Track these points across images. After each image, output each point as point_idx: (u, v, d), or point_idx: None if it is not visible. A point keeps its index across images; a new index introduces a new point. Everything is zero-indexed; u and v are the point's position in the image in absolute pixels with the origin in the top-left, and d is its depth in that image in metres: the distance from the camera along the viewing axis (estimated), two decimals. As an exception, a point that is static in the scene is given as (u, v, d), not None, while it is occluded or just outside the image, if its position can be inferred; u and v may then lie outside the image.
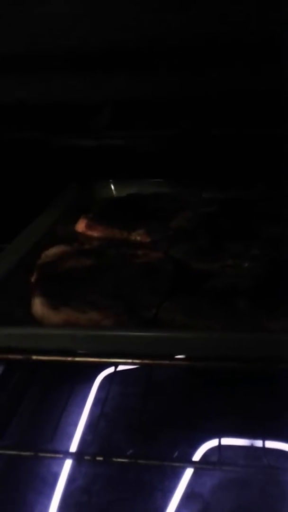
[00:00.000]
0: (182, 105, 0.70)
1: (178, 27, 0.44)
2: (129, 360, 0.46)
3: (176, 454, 0.54)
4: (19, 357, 0.46)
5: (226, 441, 0.83)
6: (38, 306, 0.54)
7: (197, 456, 0.83)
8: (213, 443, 0.84)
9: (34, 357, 0.46)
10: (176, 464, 0.53)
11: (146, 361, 0.46)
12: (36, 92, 0.54)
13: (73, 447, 0.85)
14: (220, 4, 0.42)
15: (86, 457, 0.53)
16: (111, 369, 0.97)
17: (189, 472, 0.81)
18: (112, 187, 0.89)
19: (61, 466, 0.82)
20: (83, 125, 0.75)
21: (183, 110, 0.72)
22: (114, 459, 0.53)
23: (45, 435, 0.85)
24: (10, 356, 0.46)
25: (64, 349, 0.49)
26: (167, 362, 0.46)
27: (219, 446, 0.59)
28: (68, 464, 0.82)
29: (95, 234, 0.74)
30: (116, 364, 0.68)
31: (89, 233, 0.74)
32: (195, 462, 0.70)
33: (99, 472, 0.84)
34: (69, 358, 0.46)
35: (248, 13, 0.44)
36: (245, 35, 0.47)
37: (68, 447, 0.85)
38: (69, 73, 0.51)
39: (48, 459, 0.83)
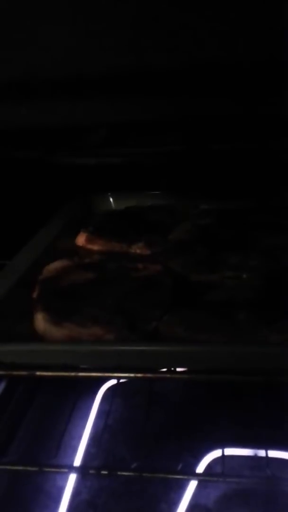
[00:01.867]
0: (178, 124, 0.72)
1: (172, 52, 0.45)
2: (132, 375, 0.47)
3: (180, 466, 0.54)
4: (23, 373, 0.46)
5: (230, 451, 0.83)
6: (40, 321, 0.54)
7: (201, 467, 0.83)
8: (216, 453, 0.84)
9: (38, 373, 0.47)
10: (181, 476, 0.53)
11: (148, 375, 0.47)
12: (35, 116, 0.55)
13: (77, 461, 0.85)
14: (220, 30, 0.43)
15: (91, 471, 0.53)
16: (113, 381, 0.97)
17: (193, 484, 0.81)
18: (111, 200, 0.90)
19: (65, 480, 0.82)
20: (80, 144, 0.76)
21: (180, 128, 0.73)
22: (119, 473, 0.53)
23: (49, 449, 0.86)
24: (15, 373, 0.47)
25: (67, 364, 0.49)
26: (168, 375, 0.47)
27: (223, 456, 0.59)
28: (72, 478, 0.82)
29: (95, 247, 0.75)
30: (115, 378, 0.68)
31: (89, 246, 0.75)
32: (199, 475, 0.70)
33: (104, 485, 0.84)
34: (73, 374, 0.47)
35: (242, 38, 0.45)
36: (239, 60, 0.48)
37: (72, 460, 0.85)
38: (67, 98, 0.53)
39: (53, 474, 0.83)
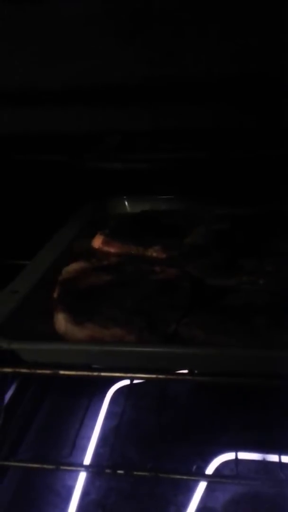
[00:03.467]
0: (193, 132, 0.73)
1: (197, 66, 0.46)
2: (153, 375, 0.48)
3: (189, 468, 0.55)
4: (47, 372, 0.47)
5: (239, 455, 0.83)
6: (61, 321, 0.55)
7: (209, 470, 0.84)
8: (225, 457, 0.85)
9: (62, 372, 0.47)
10: (195, 478, 0.54)
11: (170, 376, 0.48)
12: (54, 122, 0.57)
13: (87, 461, 0.86)
14: (235, 46, 0.45)
15: (107, 470, 0.54)
16: (122, 383, 0.98)
17: (202, 487, 0.82)
18: (126, 203, 0.91)
19: (75, 479, 0.83)
20: (98, 149, 0.78)
21: (196, 135, 0.74)
22: (135, 473, 0.54)
23: (59, 449, 0.87)
24: (38, 371, 0.48)
25: (89, 364, 0.50)
26: (189, 377, 0.48)
27: (236, 460, 0.60)
28: (82, 478, 0.83)
29: (111, 250, 0.76)
30: (136, 379, 0.69)
31: (106, 249, 0.76)
32: (213, 476, 0.71)
33: (112, 486, 0.85)
34: (95, 373, 0.48)
35: (249, 50, 0.47)
36: (246, 72, 0.50)
37: (82, 460, 0.86)
38: (87, 105, 0.54)
39: (63, 473, 0.84)
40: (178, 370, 0.51)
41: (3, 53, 0.46)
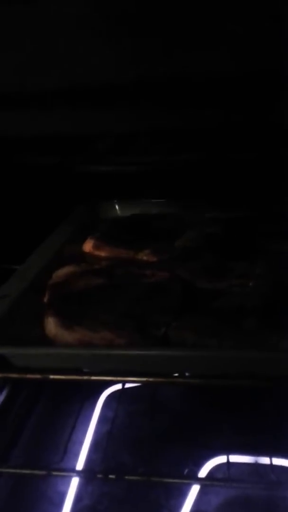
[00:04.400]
0: (184, 135, 0.73)
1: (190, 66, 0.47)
2: (144, 379, 0.48)
3: (186, 471, 0.55)
4: (37, 376, 0.47)
5: (231, 458, 0.83)
6: (51, 326, 0.55)
7: (202, 474, 0.84)
8: (217, 460, 0.85)
9: (52, 377, 0.47)
10: (187, 481, 0.53)
11: (160, 379, 0.48)
12: (47, 125, 0.57)
13: (79, 466, 0.85)
14: (231, 43, 0.45)
15: (99, 475, 0.54)
16: (115, 388, 0.98)
17: (194, 490, 0.82)
18: (117, 207, 0.91)
19: (67, 485, 0.82)
20: (90, 152, 0.78)
21: (186, 138, 0.75)
22: (127, 477, 0.53)
23: (51, 454, 0.86)
24: (28, 376, 0.47)
25: (79, 368, 0.50)
26: (180, 380, 0.48)
27: (228, 463, 0.60)
28: (74, 483, 0.82)
29: (102, 254, 0.76)
30: (127, 382, 0.69)
31: (97, 253, 0.76)
32: (206, 479, 0.71)
33: (105, 491, 0.84)
34: (85, 377, 0.47)
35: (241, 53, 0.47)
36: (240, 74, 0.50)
37: (74, 465, 0.85)
38: (79, 107, 0.54)
39: (55, 479, 0.83)
40: (169, 373, 0.51)
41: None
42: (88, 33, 0.46)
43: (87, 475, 0.54)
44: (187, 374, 0.50)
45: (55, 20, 0.46)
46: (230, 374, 0.48)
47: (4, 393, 0.87)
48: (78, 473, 0.56)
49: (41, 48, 0.47)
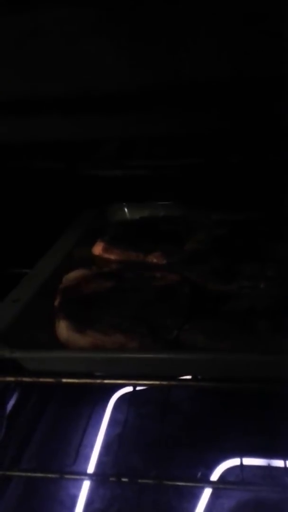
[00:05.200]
0: (191, 137, 0.73)
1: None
2: (157, 382, 0.48)
3: (199, 474, 0.55)
4: (50, 380, 0.47)
5: (243, 461, 0.83)
6: (63, 329, 0.55)
7: (214, 477, 0.83)
8: (229, 463, 0.84)
9: (64, 380, 0.47)
10: (200, 484, 0.53)
11: (173, 382, 0.48)
12: (55, 130, 0.57)
13: (90, 469, 0.85)
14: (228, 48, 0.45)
15: (112, 479, 0.54)
16: (124, 390, 0.98)
17: (206, 494, 0.81)
18: (126, 210, 0.92)
19: (78, 488, 0.82)
20: (97, 156, 0.78)
21: (194, 141, 0.75)
22: (140, 480, 0.53)
23: (62, 458, 0.86)
24: (41, 380, 0.47)
25: (91, 371, 0.50)
26: (193, 383, 0.48)
27: (241, 466, 0.59)
28: (85, 486, 0.82)
29: (111, 257, 0.76)
30: (140, 385, 0.69)
31: (106, 256, 0.76)
32: (220, 483, 0.70)
33: (116, 494, 0.84)
34: (98, 381, 0.47)
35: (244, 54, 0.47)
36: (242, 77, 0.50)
37: (85, 469, 0.85)
38: (80, 114, 0.54)
39: (66, 482, 0.83)
40: (181, 376, 0.51)
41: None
42: (98, 40, 0.47)
43: (99, 478, 0.54)
44: (199, 377, 0.50)
45: (61, 26, 0.46)
46: (242, 377, 0.48)
47: (15, 397, 0.87)
48: (91, 476, 0.56)
49: (50, 54, 0.47)
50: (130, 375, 0.50)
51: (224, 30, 0.45)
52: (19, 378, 0.48)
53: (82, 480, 0.72)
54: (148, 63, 0.48)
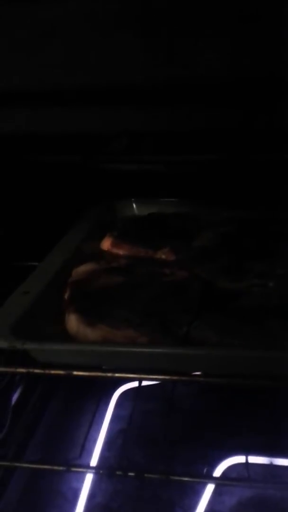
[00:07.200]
0: (202, 135, 0.73)
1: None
2: (167, 377, 0.48)
3: (205, 470, 0.55)
4: (61, 372, 0.47)
5: (243, 459, 0.83)
6: (73, 322, 0.55)
7: (216, 474, 0.84)
8: (232, 461, 0.85)
9: (75, 373, 0.47)
10: (206, 480, 0.54)
11: (183, 378, 0.48)
12: (67, 123, 0.57)
13: (93, 463, 0.86)
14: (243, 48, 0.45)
15: (118, 472, 0.54)
16: (128, 386, 0.98)
17: (208, 491, 0.81)
18: (134, 206, 0.92)
19: (81, 482, 0.83)
20: (108, 151, 0.78)
21: (203, 138, 0.74)
22: (146, 475, 0.53)
23: (67, 450, 0.86)
24: (52, 372, 0.48)
25: (101, 365, 0.50)
26: (203, 379, 0.48)
27: (247, 463, 0.59)
28: (88, 480, 0.83)
29: (120, 252, 0.76)
30: (150, 380, 0.69)
31: (115, 251, 0.76)
32: (225, 479, 0.71)
33: (118, 489, 0.85)
34: (109, 374, 0.48)
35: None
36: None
37: (88, 462, 0.86)
38: (96, 107, 0.54)
39: (69, 475, 0.83)
40: (191, 372, 0.51)
41: (19, 54, 0.46)
42: (115, 32, 0.47)
43: (105, 472, 0.54)
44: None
45: (80, 19, 0.46)
46: (251, 374, 0.48)
47: (19, 390, 0.87)
48: (97, 469, 0.56)
49: (64, 47, 0.47)
50: (139, 369, 0.50)
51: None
52: (31, 370, 0.48)
53: (86, 473, 0.72)
54: (165, 59, 0.48)
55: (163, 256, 0.74)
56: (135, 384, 0.95)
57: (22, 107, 0.49)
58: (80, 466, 0.56)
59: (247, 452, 0.66)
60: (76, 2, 0.45)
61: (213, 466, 0.84)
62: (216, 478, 0.70)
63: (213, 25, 0.46)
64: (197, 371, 0.51)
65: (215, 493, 0.81)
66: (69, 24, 0.47)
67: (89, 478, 0.83)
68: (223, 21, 0.46)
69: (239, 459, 0.83)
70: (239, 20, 0.45)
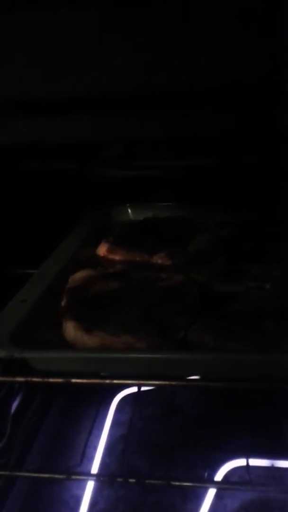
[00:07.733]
0: (194, 140, 0.74)
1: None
2: (166, 382, 0.48)
3: (206, 475, 0.55)
4: (59, 380, 0.47)
5: (244, 462, 0.83)
6: (70, 329, 0.55)
7: (217, 478, 0.83)
8: (233, 464, 0.84)
9: (73, 380, 0.47)
10: (207, 485, 0.53)
11: (182, 383, 0.48)
12: (62, 131, 0.57)
13: (94, 470, 0.85)
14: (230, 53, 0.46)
15: (119, 479, 0.53)
16: (128, 391, 0.98)
17: (210, 495, 0.81)
18: (129, 211, 0.92)
19: (82, 489, 0.82)
20: (100, 157, 0.78)
21: (198, 142, 0.75)
22: (147, 481, 0.53)
23: (68, 458, 0.86)
24: (51, 380, 0.47)
25: (99, 372, 0.50)
26: (202, 383, 0.48)
27: (248, 466, 0.59)
28: (89, 487, 0.82)
29: (116, 257, 0.76)
30: (149, 386, 0.69)
31: (111, 256, 0.76)
32: (227, 483, 0.71)
33: (120, 495, 0.84)
34: (107, 381, 0.48)
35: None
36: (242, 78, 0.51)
37: (89, 469, 0.85)
38: (88, 115, 0.55)
39: (70, 483, 0.83)
40: (189, 376, 0.51)
41: (13, 63, 0.46)
42: (106, 40, 0.47)
43: (106, 479, 0.54)
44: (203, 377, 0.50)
45: (71, 27, 0.46)
46: (250, 377, 0.49)
47: (18, 398, 0.87)
48: (97, 477, 0.56)
49: (56, 54, 0.48)
50: (138, 375, 0.50)
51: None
52: (29, 379, 0.48)
53: (86, 481, 0.72)
54: (152, 66, 0.49)
55: (159, 261, 0.74)
56: (134, 389, 0.95)
57: (17, 116, 0.49)
58: (81, 474, 0.56)
59: (248, 454, 0.66)
60: (67, 10, 0.45)
61: (214, 469, 0.84)
62: (217, 482, 0.69)
63: (205, 31, 0.46)
64: (195, 375, 0.51)
65: (216, 496, 0.81)
66: (61, 33, 0.47)
67: (90, 485, 0.82)
68: (215, 28, 0.46)
69: (240, 462, 0.83)
70: (232, 26, 0.46)
